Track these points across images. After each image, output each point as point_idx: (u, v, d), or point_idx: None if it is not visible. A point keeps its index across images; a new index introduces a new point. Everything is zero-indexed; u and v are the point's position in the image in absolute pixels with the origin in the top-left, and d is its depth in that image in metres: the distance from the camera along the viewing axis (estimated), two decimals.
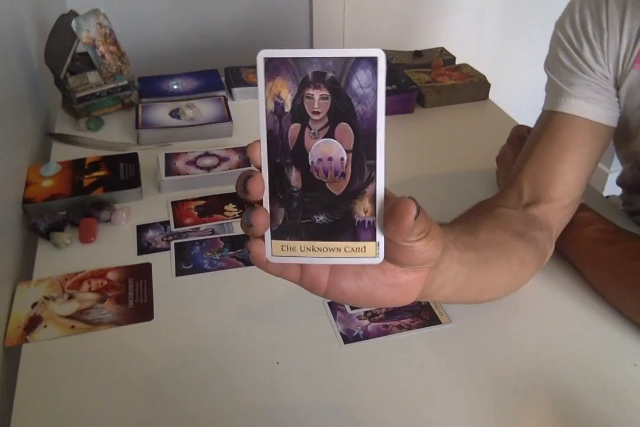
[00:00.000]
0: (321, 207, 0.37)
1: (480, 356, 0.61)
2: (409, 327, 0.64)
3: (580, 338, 0.63)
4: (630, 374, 0.59)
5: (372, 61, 0.34)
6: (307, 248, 0.38)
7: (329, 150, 0.36)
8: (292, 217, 0.37)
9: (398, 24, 1.87)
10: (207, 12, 1.69)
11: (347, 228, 0.37)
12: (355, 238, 0.38)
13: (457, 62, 1.27)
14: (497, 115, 1.13)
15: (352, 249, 0.38)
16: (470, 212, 0.65)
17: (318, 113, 0.36)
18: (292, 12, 1.76)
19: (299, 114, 0.36)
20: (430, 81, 1.17)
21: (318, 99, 0.35)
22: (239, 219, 0.82)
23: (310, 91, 0.35)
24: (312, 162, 0.36)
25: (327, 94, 0.35)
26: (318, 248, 0.38)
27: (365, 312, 0.66)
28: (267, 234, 0.38)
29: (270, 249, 0.38)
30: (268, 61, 0.35)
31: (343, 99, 0.35)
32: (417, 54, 1.28)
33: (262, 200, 0.37)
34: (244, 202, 0.86)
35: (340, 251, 0.38)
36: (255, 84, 1.37)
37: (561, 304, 0.68)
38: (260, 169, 0.37)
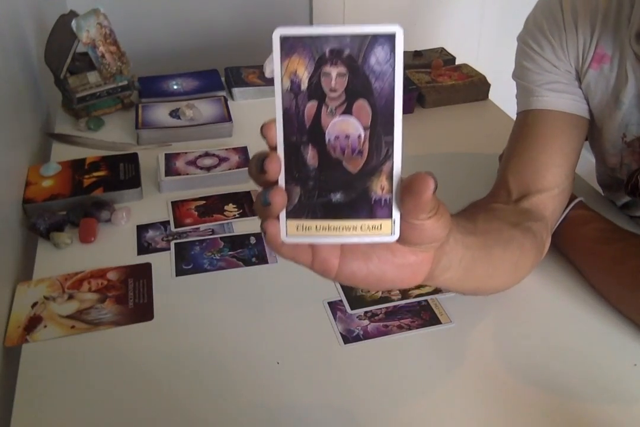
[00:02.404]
0: (337, 186, 0.37)
1: (480, 355, 0.61)
2: (409, 327, 0.64)
3: (580, 338, 0.63)
4: (630, 374, 0.59)
5: (390, 37, 0.34)
6: (323, 227, 0.38)
7: (347, 127, 0.36)
8: (308, 196, 0.37)
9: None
10: (207, 12, 1.69)
11: (363, 206, 0.37)
12: (372, 216, 0.37)
13: (457, 62, 1.27)
14: (497, 115, 1.13)
15: (368, 227, 0.37)
16: (465, 210, 0.66)
17: (335, 90, 0.35)
18: (292, 13, 1.76)
19: (316, 92, 0.35)
20: (430, 81, 1.17)
21: (335, 76, 0.35)
22: (239, 219, 0.82)
23: (327, 68, 0.35)
24: (329, 140, 0.36)
25: (345, 71, 0.35)
26: (334, 227, 0.38)
27: (365, 312, 0.66)
28: (282, 215, 0.37)
29: (286, 229, 0.38)
30: (284, 39, 0.34)
31: (360, 76, 0.35)
32: (417, 54, 1.28)
33: (277, 180, 0.37)
34: (244, 203, 0.86)
35: (356, 229, 0.38)
36: (254, 84, 1.36)
37: (561, 304, 0.68)
38: (275, 149, 0.36)
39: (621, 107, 0.67)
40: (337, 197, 0.37)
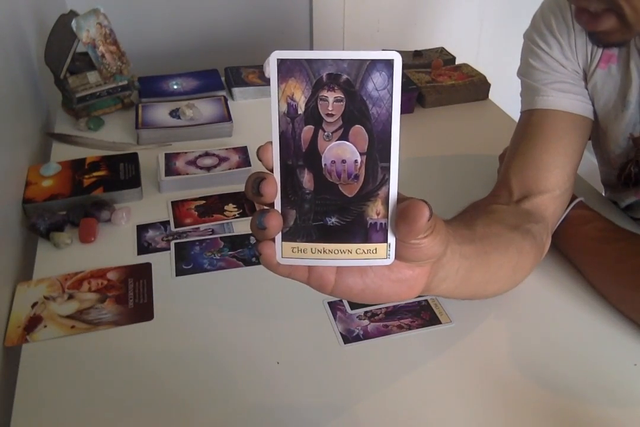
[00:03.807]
0: (333, 210, 0.37)
1: (480, 355, 0.61)
2: (409, 327, 0.64)
3: (580, 338, 0.63)
4: (630, 374, 0.59)
5: (388, 64, 0.34)
6: (318, 250, 0.38)
7: (343, 152, 0.36)
8: (304, 219, 0.37)
9: (398, 24, 1.87)
10: (207, 12, 1.69)
11: (358, 230, 0.37)
12: (367, 240, 0.38)
13: (457, 62, 1.27)
14: (497, 115, 1.13)
15: (363, 250, 0.38)
16: (465, 212, 0.66)
17: (332, 115, 0.35)
18: (292, 12, 1.76)
19: (313, 116, 0.35)
20: (430, 81, 1.17)
21: (332, 101, 0.35)
22: (239, 219, 0.82)
23: (325, 93, 0.35)
24: (325, 164, 0.36)
25: (342, 96, 0.35)
26: (329, 250, 0.38)
27: (365, 312, 0.66)
28: (278, 236, 0.38)
29: (281, 251, 0.38)
30: (281, 62, 0.34)
31: (358, 102, 0.35)
32: (417, 54, 1.28)
33: (273, 202, 0.37)
34: (244, 203, 0.86)
35: (351, 252, 0.38)
36: (254, 84, 1.36)
37: (561, 304, 0.67)
38: (271, 170, 0.37)
39: (629, 107, 0.67)
40: (332, 220, 0.37)
